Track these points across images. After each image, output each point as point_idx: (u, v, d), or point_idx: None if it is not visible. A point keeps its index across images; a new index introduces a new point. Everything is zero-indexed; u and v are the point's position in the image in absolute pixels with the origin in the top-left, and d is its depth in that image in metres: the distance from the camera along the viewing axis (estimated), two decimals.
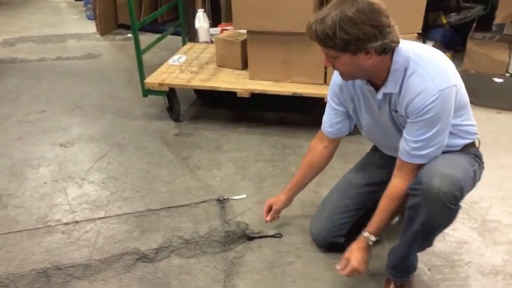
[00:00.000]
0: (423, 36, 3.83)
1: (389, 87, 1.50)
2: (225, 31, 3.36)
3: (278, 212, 2.01)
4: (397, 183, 1.57)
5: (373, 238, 1.62)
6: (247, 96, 2.78)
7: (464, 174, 1.48)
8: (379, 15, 1.36)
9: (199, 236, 2.06)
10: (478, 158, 1.63)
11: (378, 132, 1.70)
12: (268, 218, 1.99)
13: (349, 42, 1.37)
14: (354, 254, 1.63)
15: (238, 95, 2.79)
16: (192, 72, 3.04)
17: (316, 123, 1.92)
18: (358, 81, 1.62)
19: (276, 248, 1.99)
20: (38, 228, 2.15)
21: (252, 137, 2.86)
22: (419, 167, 1.52)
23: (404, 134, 1.53)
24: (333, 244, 1.91)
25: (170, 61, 3.22)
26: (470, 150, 1.62)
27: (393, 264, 1.69)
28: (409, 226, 1.55)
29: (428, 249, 1.91)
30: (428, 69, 1.43)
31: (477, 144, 1.65)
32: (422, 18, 2.50)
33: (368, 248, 1.64)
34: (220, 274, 1.86)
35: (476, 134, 1.64)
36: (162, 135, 2.92)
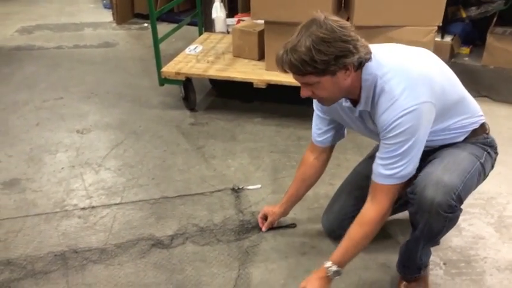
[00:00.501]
0: (442, 30, 3.78)
1: (362, 105, 1.49)
2: (241, 22, 3.36)
3: (273, 223, 2.01)
4: (366, 208, 1.52)
5: (334, 268, 1.53)
6: (264, 87, 2.78)
7: (462, 177, 1.45)
8: (348, 30, 1.34)
9: (214, 224, 2.08)
10: (487, 145, 1.59)
11: (370, 135, 1.67)
12: (263, 229, 2.01)
13: (329, 62, 1.33)
14: (311, 283, 1.55)
15: (254, 86, 2.79)
16: (208, 62, 3.04)
17: None
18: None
19: (290, 239, 1.99)
20: (56, 212, 2.18)
21: (267, 128, 2.86)
22: (393, 189, 1.47)
23: (377, 152, 1.50)
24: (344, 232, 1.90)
25: (187, 51, 3.23)
26: (478, 138, 1.58)
27: (402, 262, 1.69)
28: (412, 230, 1.56)
29: (444, 244, 1.92)
30: (395, 86, 1.39)
31: (486, 129, 1.61)
32: (442, 11, 2.47)
33: (327, 279, 1.55)
34: (235, 262, 1.88)
35: (477, 120, 1.59)
36: (178, 124, 2.94)
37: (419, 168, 1.49)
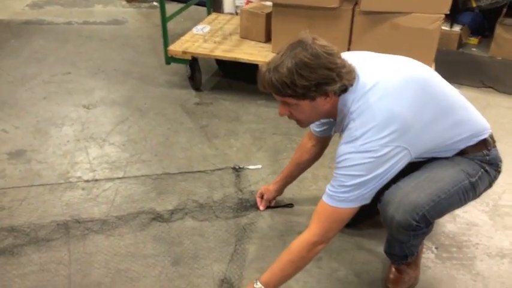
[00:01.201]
0: (451, 19, 3.76)
1: (337, 128, 1.51)
2: (250, 3, 3.36)
3: (269, 201, 2.06)
4: (303, 234, 1.45)
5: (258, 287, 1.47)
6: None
7: (434, 197, 1.41)
8: (334, 57, 1.31)
9: (214, 201, 2.12)
10: (485, 163, 1.49)
11: None
12: (261, 207, 2.05)
13: (309, 88, 1.31)
14: None
15: (260, 68, 2.80)
16: (215, 42, 3.06)
17: None
18: None
19: (287, 218, 2.04)
20: (60, 183, 2.23)
21: (271, 110, 2.88)
22: (336, 213, 1.41)
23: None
24: None
25: (194, 30, 3.24)
26: (476, 155, 1.48)
27: (387, 250, 1.70)
28: None
29: (438, 229, 1.96)
30: (359, 126, 1.34)
31: (488, 144, 1.50)
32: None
33: None
34: (232, 238, 1.92)
35: (474, 139, 1.48)
36: (183, 103, 2.97)
37: (400, 175, 1.42)
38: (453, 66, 3.40)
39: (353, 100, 1.37)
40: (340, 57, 1.34)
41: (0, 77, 3.28)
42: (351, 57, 1.40)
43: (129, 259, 1.82)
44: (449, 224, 2.00)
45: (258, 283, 1.47)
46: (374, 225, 1.94)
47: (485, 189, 1.55)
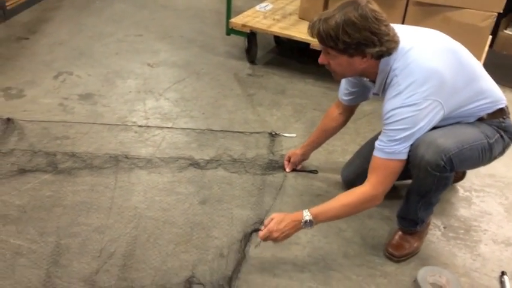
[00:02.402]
0: (509, 20, 3.69)
1: (376, 89, 1.66)
2: None
3: (295, 164, 2.22)
4: (363, 186, 1.60)
5: (308, 218, 1.60)
6: (319, 49, 2.94)
7: (459, 145, 1.55)
8: (380, 24, 1.45)
9: (246, 158, 2.33)
10: (501, 129, 1.66)
11: None
12: (287, 169, 2.22)
13: (349, 45, 1.47)
14: (284, 219, 1.61)
15: (311, 47, 2.96)
16: (274, 19, 3.25)
17: None
18: None
19: (310, 182, 2.21)
20: (117, 125, 2.55)
21: (317, 89, 3.04)
22: (391, 165, 1.56)
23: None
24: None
25: (257, 7, 3.45)
26: (493, 121, 1.66)
27: (399, 213, 1.84)
28: (411, 183, 1.71)
29: (450, 212, 2.05)
30: (402, 81, 1.50)
31: (504, 113, 1.67)
32: None
33: (299, 224, 1.61)
34: (255, 191, 2.13)
35: (493, 106, 1.65)
36: (236, 73, 3.20)
37: None
38: (510, 69, 3.36)
39: (395, 59, 1.53)
40: (386, 25, 1.49)
41: (82, 32, 3.68)
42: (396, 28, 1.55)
43: (164, 193, 2.08)
44: (463, 209, 2.08)
45: (308, 212, 1.61)
46: (390, 195, 2.07)
47: (499, 154, 1.70)
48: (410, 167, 1.61)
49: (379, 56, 1.52)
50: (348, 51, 1.50)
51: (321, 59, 1.62)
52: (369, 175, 1.61)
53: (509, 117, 1.69)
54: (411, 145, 1.57)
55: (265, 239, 1.63)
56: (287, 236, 1.63)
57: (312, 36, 1.55)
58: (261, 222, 1.86)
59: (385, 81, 1.58)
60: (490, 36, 3.03)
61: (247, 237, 1.83)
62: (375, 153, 1.60)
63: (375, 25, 1.45)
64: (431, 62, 1.51)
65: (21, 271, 1.66)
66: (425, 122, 1.52)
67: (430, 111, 1.51)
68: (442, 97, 1.51)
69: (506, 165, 2.34)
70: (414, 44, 1.55)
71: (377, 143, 1.59)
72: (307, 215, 1.61)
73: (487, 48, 2.85)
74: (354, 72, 1.63)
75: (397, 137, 1.53)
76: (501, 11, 2.52)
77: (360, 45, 1.48)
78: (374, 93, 1.69)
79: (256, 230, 1.74)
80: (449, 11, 2.60)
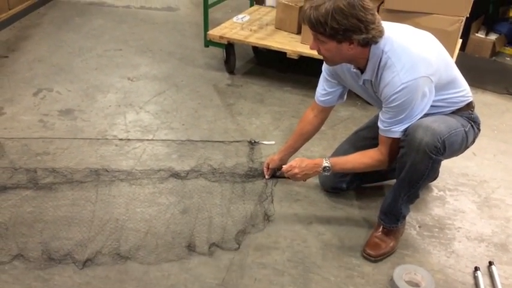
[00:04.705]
0: (488, 28, 3.81)
1: (367, 75, 1.73)
2: None
3: (274, 170, 2.27)
4: (375, 150, 1.81)
5: (326, 164, 1.85)
6: (296, 57, 3.02)
7: (449, 130, 1.68)
8: (367, 12, 1.56)
9: (226, 167, 2.37)
10: (471, 120, 1.82)
11: (369, 98, 1.91)
12: (266, 176, 2.28)
13: (337, 31, 1.58)
14: (305, 161, 1.91)
15: (287, 56, 3.03)
16: (251, 30, 3.31)
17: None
18: (344, 65, 1.81)
19: (289, 187, 2.25)
20: (98, 139, 2.57)
21: (294, 97, 3.10)
22: (395, 141, 1.73)
23: (380, 113, 1.76)
24: (336, 189, 2.15)
25: (234, 19, 3.51)
26: (463, 113, 1.82)
27: (383, 209, 1.90)
28: (398, 175, 1.77)
29: (425, 211, 2.11)
30: (397, 62, 1.62)
31: (471, 106, 1.84)
32: (471, 3, 2.58)
33: (318, 168, 1.87)
34: (236, 198, 2.17)
35: (465, 99, 1.81)
36: (215, 84, 3.25)
37: None
38: (481, 72, 3.46)
39: (385, 44, 1.64)
40: (373, 14, 1.59)
41: (62, 48, 3.71)
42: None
43: (146, 204, 2.11)
44: (437, 208, 2.14)
45: (328, 160, 1.87)
46: (367, 199, 2.13)
47: (471, 143, 1.86)
48: (405, 152, 1.69)
49: (366, 43, 1.62)
50: (336, 37, 1.60)
51: (312, 46, 1.72)
52: (378, 146, 1.80)
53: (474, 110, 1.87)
54: (409, 129, 1.68)
55: (287, 172, 1.93)
56: (306, 176, 1.92)
57: (303, 22, 1.66)
58: (280, 168, 2.15)
59: (379, 64, 1.67)
60: (460, 40, 3.14)
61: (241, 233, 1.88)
62: (381, 132, 1.77)
63: (361, 13, 1.55)
64: (420, 44, 1.66)
65: (4, 287, 1.68)
66: (424, 103, 1.66)
67: (427, 92, 1.64)
68: (431, 74, 1.63)
69: (478, 165, 2.42)
70: (402, 31, 1.71)
71: (380, 124, 1.75)
72: (326, 162, 1.86)
73: (457, 51, 2.95)
74: (343, 58, 1.71)
75: (398, 117, 1.68)
76: (468, 15, 2.61)
77: (347, 32, 1.58)
78: (365, 80, 1.75)
79: (276, 174, 2.22)
80: (418, 17, 2.68)
